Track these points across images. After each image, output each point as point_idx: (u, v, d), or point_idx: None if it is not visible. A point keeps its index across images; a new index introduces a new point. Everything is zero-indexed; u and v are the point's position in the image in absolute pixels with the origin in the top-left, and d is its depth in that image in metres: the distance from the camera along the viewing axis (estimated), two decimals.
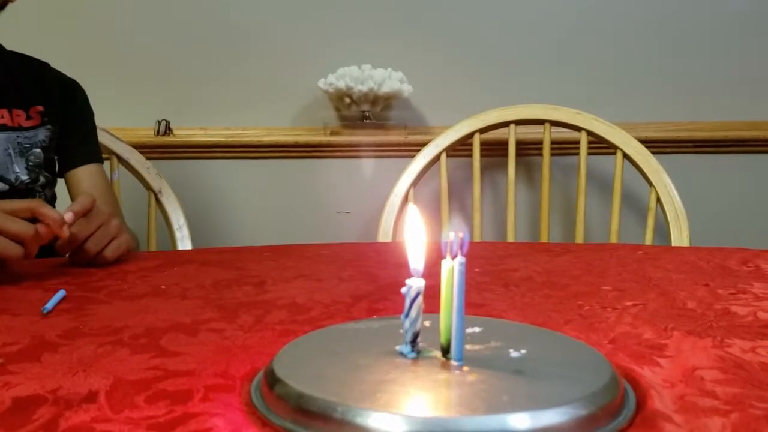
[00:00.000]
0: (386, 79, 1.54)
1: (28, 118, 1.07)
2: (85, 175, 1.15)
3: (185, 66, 1.64)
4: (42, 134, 1.08)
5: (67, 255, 0.83)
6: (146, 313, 0.59)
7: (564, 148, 1.59)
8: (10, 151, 1.04)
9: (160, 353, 0.47)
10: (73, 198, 1.14)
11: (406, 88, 1.57)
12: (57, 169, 1.15)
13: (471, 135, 1.50)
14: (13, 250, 0.73)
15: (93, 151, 1.19)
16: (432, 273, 0.42)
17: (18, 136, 1.05)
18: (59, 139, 1.12)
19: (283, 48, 1.65)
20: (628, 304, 0.61)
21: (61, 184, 1.16)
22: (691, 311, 0.59)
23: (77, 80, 1.18)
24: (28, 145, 1.06)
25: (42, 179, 1.08)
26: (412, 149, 1.56)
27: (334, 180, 1.67)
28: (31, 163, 1.05)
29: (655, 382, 0.41)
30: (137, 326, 0.54)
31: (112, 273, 0.78)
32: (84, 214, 0.80)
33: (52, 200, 1.12)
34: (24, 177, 1.05)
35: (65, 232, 0.77)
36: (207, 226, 1.64)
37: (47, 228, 0.75)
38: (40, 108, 1.09)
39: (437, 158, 1.49)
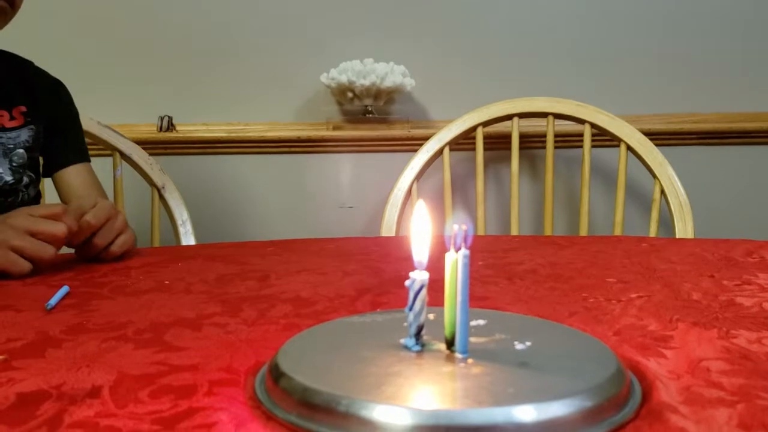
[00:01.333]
0: (388, 73, 1.53)
1: (11, 118, 1.05)
2: (74, 174, 1.14)
3: (187, 62, 1.64)
4: (25, 134, 1.06)
5: (74, 251, 0.84)
6: (150, 309, 0.59)
7: (567, 141, 1.58)
8: None
9: (164, 348, 0.47)
10: (62, 199, 1.14)
11: (409, 82, 1.56)
12: (42, 168, 1.14)
13: (474, 128, 1.50)
14: (48, 251, 0.76)
15: (81, 150, 1.17)
16: (436, 266, 0.42)
17: (1, 137, 1.03)
18: (45, 140, 1.11)
19: (285, 43, 1.65)
20: (633, 296, 0.61)
21: (46, 183, 1.15)
22: (696, 302, 0.58)
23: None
24: (11, 146, 1.04)
25: (26, 179, 1.06)
26: (414, 143, 1.56)
27: (337, 174, 1.67)
28: (14, 164, 1.04)
29: (660, 373, 0.41)
30: (141, 321, 0.54)
31: (115, 268, 0.78)
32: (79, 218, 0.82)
33: (36, 199, 1.11)
34: (8, 177, 1.03)
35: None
36: (210, 222, 1.64)
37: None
38: (23, 108, 1.07)
39: (440, 152, 1.49)
